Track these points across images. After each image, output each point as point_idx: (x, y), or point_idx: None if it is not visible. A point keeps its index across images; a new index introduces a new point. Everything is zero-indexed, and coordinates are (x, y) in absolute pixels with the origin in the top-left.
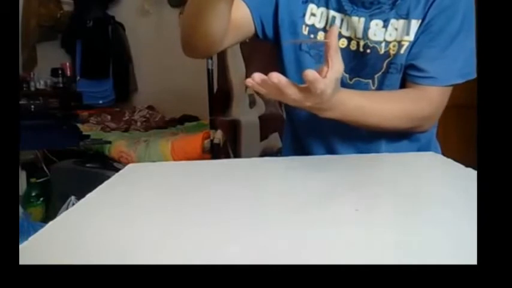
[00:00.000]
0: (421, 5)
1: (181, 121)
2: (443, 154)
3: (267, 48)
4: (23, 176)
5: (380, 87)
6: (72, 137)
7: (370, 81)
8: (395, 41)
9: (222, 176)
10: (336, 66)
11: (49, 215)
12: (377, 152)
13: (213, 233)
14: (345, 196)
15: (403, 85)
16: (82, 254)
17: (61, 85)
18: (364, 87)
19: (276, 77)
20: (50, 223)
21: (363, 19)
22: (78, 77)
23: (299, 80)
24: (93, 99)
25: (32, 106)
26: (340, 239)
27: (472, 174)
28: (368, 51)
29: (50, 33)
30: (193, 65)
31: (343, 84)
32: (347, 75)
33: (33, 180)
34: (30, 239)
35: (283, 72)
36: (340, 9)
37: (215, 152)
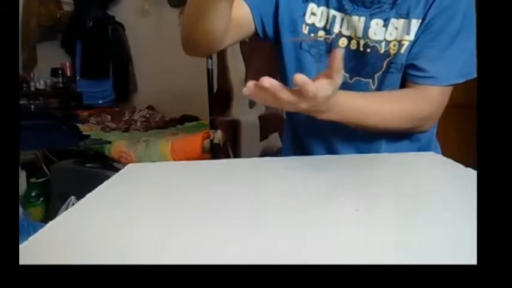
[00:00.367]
0: (421, 4)
1: (181, 121)
2: (443, 154)
3: (267, 48)
4: (23, 176)
5: (380, 87)
6: (72, 137)
7: (370, 80)
8: (395, 40)
9: (222, 176)
10: (336, 81)
11: (49, 215)
12: (377, 152)
13: (213, 233)
14: (345, 196)
15: (403, 85)
16: (82, 254)
17: (61, 85)
18: (364, 87)
19: (267, 81)
20: (50, 223)
21: (363, 18)
22: (78, 77)
23: None
24: (93, 99)
25: (32, 106)
26: (340, 239)
27: (472, 174)
28: (368, 50)
29: (50, 33)
30: (193, 65)
31: (343, 83)
32: (347, 75)
33: (33, 180)
34: (30, 239)
35: (283, 71)
36: (340, 8)
37: (215, 152)
